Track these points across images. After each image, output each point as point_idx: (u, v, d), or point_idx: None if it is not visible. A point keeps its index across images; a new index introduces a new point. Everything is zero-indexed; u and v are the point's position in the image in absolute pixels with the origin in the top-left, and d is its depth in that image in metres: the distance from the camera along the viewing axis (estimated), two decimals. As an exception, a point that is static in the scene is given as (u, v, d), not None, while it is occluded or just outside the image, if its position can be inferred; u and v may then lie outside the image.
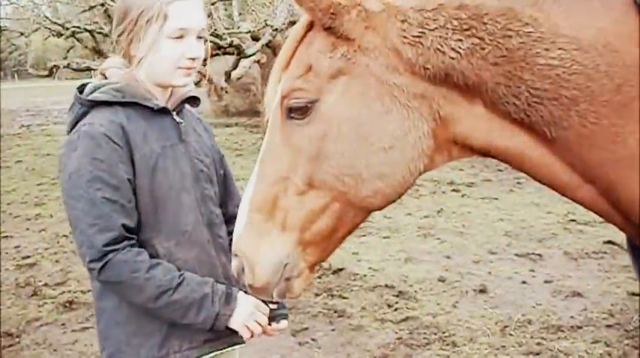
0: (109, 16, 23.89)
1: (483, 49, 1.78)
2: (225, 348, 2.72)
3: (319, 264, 2.22)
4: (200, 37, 2.59)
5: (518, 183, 12.40)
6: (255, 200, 2.10)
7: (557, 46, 1.71)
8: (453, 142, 1.96)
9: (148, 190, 2.53)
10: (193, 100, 2.80)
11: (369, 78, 1.90)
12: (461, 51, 1.80)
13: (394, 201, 2.05)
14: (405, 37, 1.85)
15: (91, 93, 2.57)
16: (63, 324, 6.42)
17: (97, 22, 25.59)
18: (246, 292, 2.39)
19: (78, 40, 27.64)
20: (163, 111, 2.63)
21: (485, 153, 1.97)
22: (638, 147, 1.72)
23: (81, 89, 2.65)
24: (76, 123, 2.56)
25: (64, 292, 7.24)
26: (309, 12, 1.94)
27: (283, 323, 2.78)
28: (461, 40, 1.80)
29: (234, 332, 2.64)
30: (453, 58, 1.82)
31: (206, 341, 2.65)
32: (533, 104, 1.77)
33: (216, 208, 2.80)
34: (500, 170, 13.69)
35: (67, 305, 6.85)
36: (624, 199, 1.80)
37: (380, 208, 2.06)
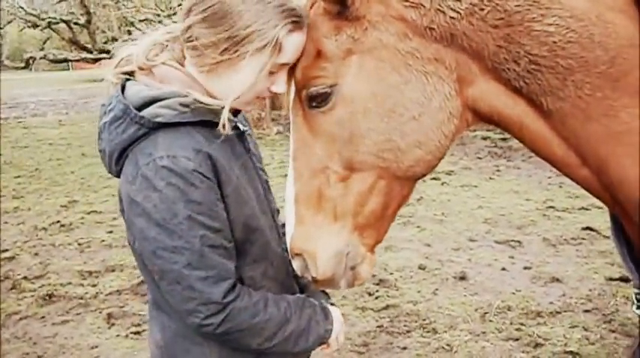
0: (85, 7, 23.70)
1: (482, 9, 1.81)
2: None
3: (378, 244, 2.21)
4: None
5: (498, 170, 12.47)
6: (300, 197, 2.09)
7: (552, 13, 1.75)
8: (466, 106, 1.98)
9: (241, 223, 2.17)
10: None
11: (380, 52, 1.92)
12: (460, 11, 1.83)
13: (436, 165, 2.07)
14: (405, 0, 1.87)
15: (147, 105, 2.06)
16: (43, 317, 6.37)
17: (73, 13, 25.36)
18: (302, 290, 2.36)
19: (54, 31, 27.40)
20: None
21: (489, 119, 2.00)
22: (631, 123, 1.76)
23: (121, 89, 2.14)
24: (131, 143, 2.08)
25: (43, 285, 7.19)
26: (327, 2, 1.93)
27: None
28: (459, 0, 1.82)
29: (308, 352, 2.44)
30: (453, 18, 1.84)
31: None
32: (532, 71, 1.81)
33: (277, 217, 2.48)
34: (479, 158, 13.77)
35: (47, 298, 6.80)
36: (614, 178, 1.83)
37: (424, 175, 2.08)
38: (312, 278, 2.17)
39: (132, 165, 2.06)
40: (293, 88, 2.09)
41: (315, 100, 2.00)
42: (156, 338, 2.34)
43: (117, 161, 2.14)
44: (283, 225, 2.39)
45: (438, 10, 1.84)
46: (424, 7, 1.85)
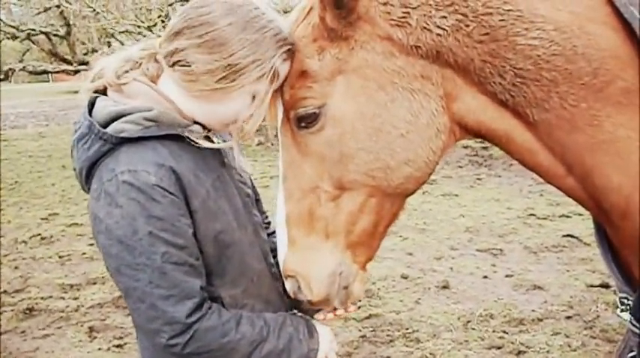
0: (64, 18, 23.59)
1: (468, 25, 1.82)
2: None
3: (370, 261, 2.20)
4: None
5: (479, 179, 12.53)
6: (291, 218, 2.09)
7: (535, 26, 1.76)
8: (453, 121, 1.98)
9: (211, 238, 2.11)
10: None
11: (366, 71, 1.92)
12: (446, 28, 1.84)
13: (426, 181, 2.07)
14: (391, 19, 1.87)
15: (112, 120, 2.03)
16: (23, 332, 6.32)
17: (52, 24, 25.22)
18: (303, 310, 2.31)
19: (34, 42, 27.25)
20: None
21: (477, 133, 2.01)
22: (615, 132, 1.78)
23: (90, 107, 2.10)
24: (97, 160, 2.05)
25: (23, 299, 7.13)
26: (321, 21, 1.93)
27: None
28: (445, 17, 1.83)
29: None
30: (439, 35, 1.85)
31: None
32: (518, 84, 1.82)
33: (265, 233, 2.42)
34: (460, 166, 13.83)
35: (27, 312, 6.75)
36: (599, 186, 1.86)
37: (414, 191, 2.08)
38: (306, 300, 2.17)
39: (97, 182, 2.04)
40: (280, 109, 2.10)
41: (304, 121, 2.00)
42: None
43: (86, 178, 2.11)
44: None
45: (425, 28, 1.85)
46: (410, 25, 1.86)
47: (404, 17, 1.86)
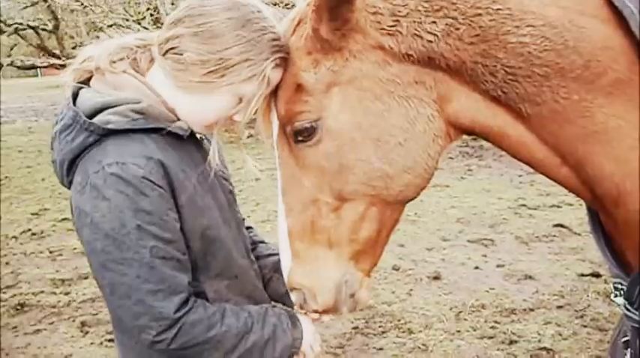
0: (52, 12, 23.46)
1: (458, 29, 1.81)
2: None
3: (374, 267, 2.21)
4: None
5: (469, 170, 12.56)
6: (293, 230, 2.08)
7: (525, 23, 1.75)
8: (448, 122, 1.98)
9: (198, 234, 2.10)
10: None
11: (361, 81, 1.91)
12: (437, 33, 1.83)
13: (425, 187, 2.09)
14: (382, 28, 1.86)
15: (98, 112, 1.98)
16: (15, 327, 6.30)
17: (40, 19, 25.10)
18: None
19: (21, 37, 27.13)
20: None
21: (471, 132, 2.01)
22: (606, 122, 1.78)
23: (74, 99, 2.06)
24: (81, 152, 2.01)
25: (15, 295, 7.11)
26: (314, 33, 1.91)
27: None
28: (435, 23, 1.82)
29: None
30: (430, 41, 1.84)
31: None
32: (509, 81, 1.82)
33: (245, 229, 2.45)
34: (451, 158, 13.84)
35: (19, 307, 6.73)
36: (592, 175, 1.87)
37: (415, 198, 2.10)
38: (313, 310, 2.19)
39: (81, 174, 1.99)
40: (275, 123, 2.09)
41: (301, 135, 1.99)
42: None
43: (68, 171, 2.06)
44: (252, 240, 2.43)
45: (415, 35, 1.84)
46: (401, 33, 1.85)
47: (394, 26, 1.85)
